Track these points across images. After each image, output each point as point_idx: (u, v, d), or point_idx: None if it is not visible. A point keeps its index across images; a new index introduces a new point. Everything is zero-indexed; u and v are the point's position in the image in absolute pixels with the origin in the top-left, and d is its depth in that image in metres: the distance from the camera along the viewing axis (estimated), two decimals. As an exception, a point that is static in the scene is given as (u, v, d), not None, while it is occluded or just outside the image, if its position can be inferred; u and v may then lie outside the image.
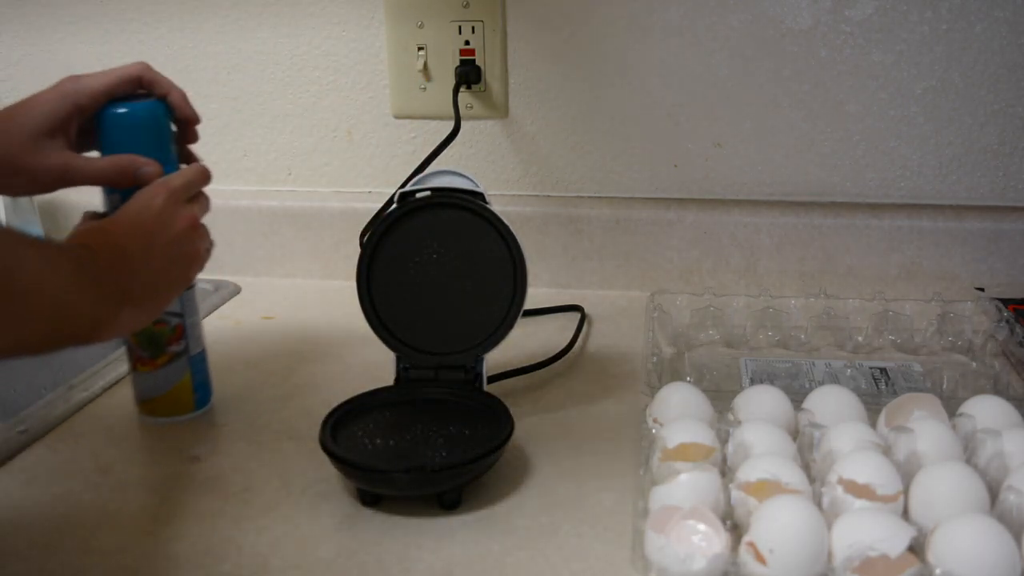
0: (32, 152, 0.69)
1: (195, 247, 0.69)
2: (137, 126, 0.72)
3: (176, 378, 0.77)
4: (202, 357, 0.79)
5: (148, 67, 0.74)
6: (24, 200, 1.06)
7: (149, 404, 0.78)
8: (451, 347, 0.75)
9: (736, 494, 0.58)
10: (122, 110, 0.72)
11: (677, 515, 0.55)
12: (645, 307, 0.91)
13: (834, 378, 0.81)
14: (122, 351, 0.89)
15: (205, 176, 0.72)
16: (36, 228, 1.07)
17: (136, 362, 0.77)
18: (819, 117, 0.98)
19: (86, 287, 0.57)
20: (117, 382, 0.84)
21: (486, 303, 0.76)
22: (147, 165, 0.70)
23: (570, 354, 0.87)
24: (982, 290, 0.97)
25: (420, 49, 1.02)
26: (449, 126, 0.96)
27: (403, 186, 0.79)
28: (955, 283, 0.97)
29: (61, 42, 1.10)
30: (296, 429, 0.76)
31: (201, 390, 0.79)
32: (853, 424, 0.64)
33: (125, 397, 0.81)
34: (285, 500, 0.66)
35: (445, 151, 0.95)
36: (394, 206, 0.78)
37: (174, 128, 0.75)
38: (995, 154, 0.97)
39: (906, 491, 0.58)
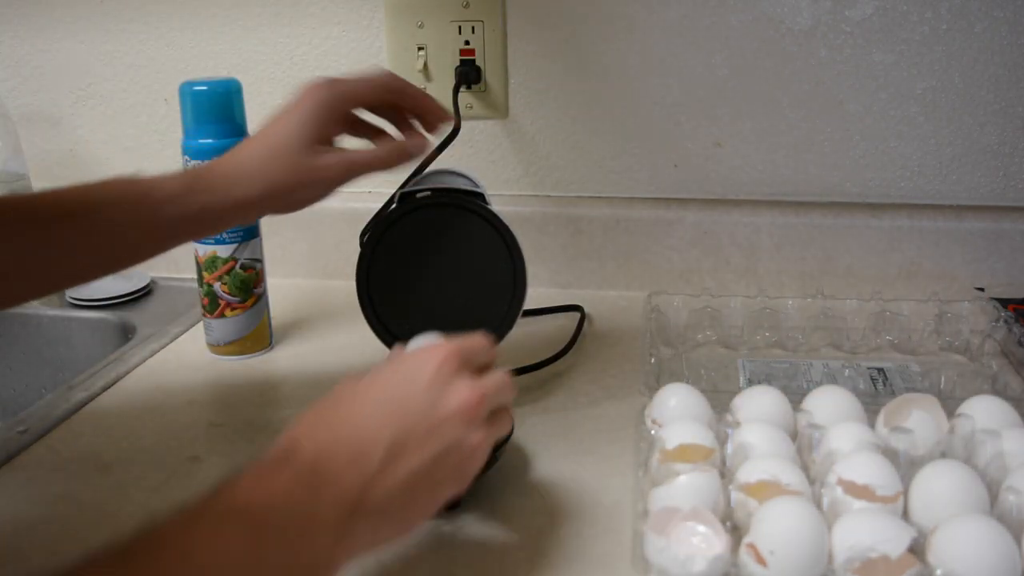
0: (310, 162, 0.68)
1: (471, 434, 0.52)
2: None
3: (259, 317, 0.89)
4: (267, 297, 0.90)
5: (395, 75, 0.73)
6: (24, 200, 1.06)
7: (236, 344, 0.88)
8: (451, 347, 0.75)
9: (736, 495, 0.59)
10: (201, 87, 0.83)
11: (677, 516, 0.55)
12: (643, 308, 0.91)
13: (832, 378, 0.81)
14: (123, 351, 0.89)
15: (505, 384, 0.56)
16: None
17: (225, 308, 0.87)
18: (819, 117, 0.98)
19: (304, 541, 0.44)
20: (117, 382, 0.84)
21: (486, 303, 0.76)
22: (413, 136, 0.69)
23: (570, 354, 0.87)
24: (982, 290, 0.97)
25: (420, 49, 1.02)
26: (449, 126, 0.96)
27: (403, 186, 0.79)
28: (955, 283, 0.98)
29: (61, 42, 1.10)
30: (296, 429, 0.76)
31: (271, 326, 0.91)
32: (852, 425, 0.64)
33: (125, 397, 0.81)
34: (285, 500, 0.66)
35: (445, 151, 0.95)
36: (394, 206, 0.78)
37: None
38: (995, 154, 0.97)
39: (906, 492, 0.58)
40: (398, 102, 0.72)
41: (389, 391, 0.51)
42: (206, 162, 0.71)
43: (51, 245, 0.64)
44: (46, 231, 0.63)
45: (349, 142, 0.72)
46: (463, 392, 0.52)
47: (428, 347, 0.54)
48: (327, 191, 0.70)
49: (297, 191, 0.69)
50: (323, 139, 0.69)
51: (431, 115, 0.73)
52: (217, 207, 0.67)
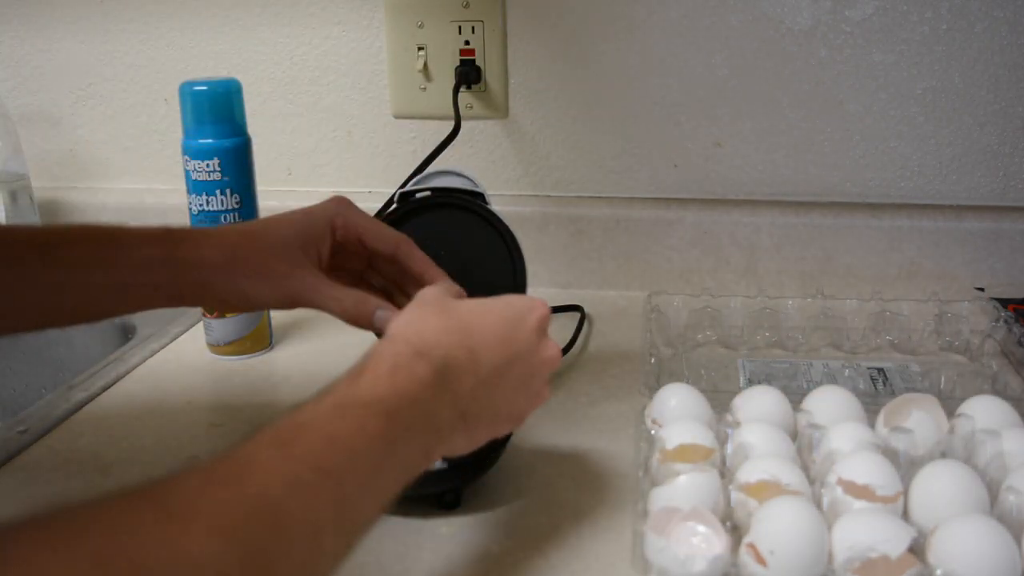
0: (282, 264, 0.65)
1: (545, 384, 0.59)
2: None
3: (259, 317, 0.89)
4: None
5: (408, 241, 0.69)
6: (24, 199, 1.06)
7: (236, 344, 0.88)
8: (451, 347, 0.75)
9: (736, 495, 0.58)
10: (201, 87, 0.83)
11: (677, 516, 0.55)
12: (643, 308, 0.91)
13: (832, 378, 0.81)
14: (123, 351, 0.89)
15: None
16: (36, 228, 1.08)
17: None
18: (819, 117, 0.98)
19: (422, 440, 0.49)
20: (117, 382, 0.84)
21: (486, 303, 0.76)
22: (384, 308, 0.65)
23: (570, 354, 0.87)
24: (982, 290, 0.97)
25: (420, 49, 1.02)
26: (449, 126, 0.96)
27: (403, 186, 0.79)
28: (955, 283, 0.98)
29: (61, 42, 1.10)
30: (296, 429, 0.76)
31: (271, 326, 0.91)
32: (852, 425, 0.64)
33: (125, 397, 0.81)
34: (285, 500, 0.66)
35: (445, 151, 0.95)
36: (394, 206, 0.78)
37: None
38: (995, 154, 0.97)
39: (906, 492, 0.58)
40: (401, 267, 0.70)
41: (504, 322, 0.56)
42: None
43: (12, 271, 0.62)
44: (9, 257, 0.63)
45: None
46: (553, 349, 0.58)
47: (531, 299, 0.59)
48: (284, 302, 0.67)
49: (252, 278, 0.65)
50: (314, 249, 0.67)
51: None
52: (184, 258, 0.64)
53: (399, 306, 0.70)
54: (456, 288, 0.64)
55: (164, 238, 0.65)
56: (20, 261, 0.63)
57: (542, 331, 0.58)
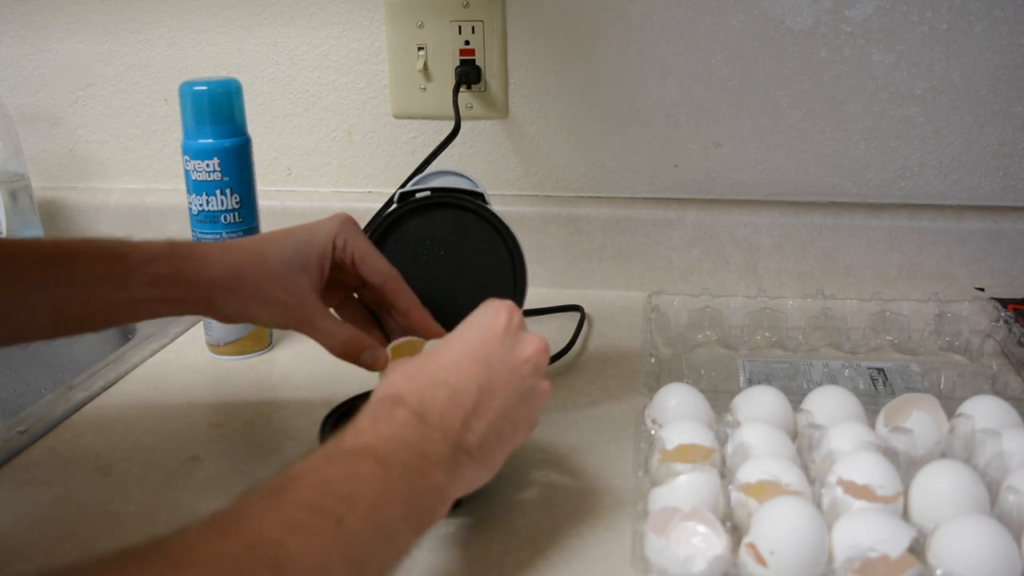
0: (280, 289, 0.67)
1: (539, 379, 0.58)
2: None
3: None
4: None
5: (397, 278, 0.71)
6: (24, 199, 1.06)
7: (236, 344, 0.88)
8: (451, 347, 0.75)
9: (736, 495, 0.58)
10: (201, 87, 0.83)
11: (677, 516, 0.55)
12: (643, 308, 0.91)
13: (832, 379, 0.81)
14: (123, 351, 0.89)
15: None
16: (36, 229, 1.07)
17: None
18: (819, 117, 0.98)
19: (422, 476, 0.49)
20: (117, 382, 0.84)
21: (486, 303, 0.76)
22: (375, 350, 0.68)
23: (570, 354, 0.87)
24: (982, 290, 0.97)
25: (420, 49, 1.02)
26: (449, 126, 0.96)
27: (403, 186, 0.79)
28: (955, 283, 0.98)
29: (61, 42, 1.10)
30: (296, 429, 0.76)
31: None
32: (852, 425, 0.64)
33: (125, 397, 0.81)
34: (285, 500, 0.66)
35: (445, 151, 0.95)
36: (394, 206, 0.78)
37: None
38: (995, 154, 0.97)
39: (906, 492, 0.58)
40: (388, 301, 0.72)
41: (472, 341, 0.56)
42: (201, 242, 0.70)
43: (21, 288, 0.63)
44: (18, 273, 0.63)
45: None
46: (533, 341, 0.58)
47: (491, 303, 0.59)
48: (280, 326, 0.70)
49: (253, 301, 0.67)
50: (312, 271, 0.68)
51: (413, 331, 0.71)
52: (189, 277, 0.66)
53: (388, 328, 0.74)
54: (437, 331, 0.68)
55: (170, 254, 0.66)
56: (24, 278, 0.64)
57: (513, 331, 0.57)
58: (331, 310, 0.71)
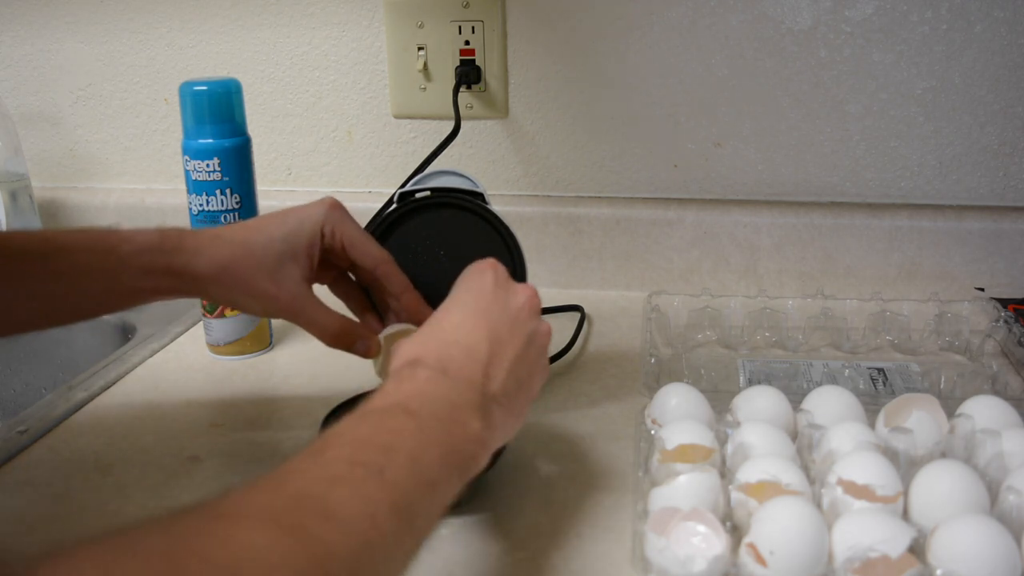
0: (270, 281, 0.67)
1: (539, 322, 0.60)
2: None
3: (259, 318, 0.88)
4: None
5: (389, 261, 0.71)
6: (24, 199, 1.06)
7: (236, 344, 0.88)
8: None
9: (736, 495, 0.58)
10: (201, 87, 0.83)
11: (677, 516, 0.55)
12: (643, 308, 0.91)
13: (832, 379, 0.81)
14: (123, 351, 0.89)
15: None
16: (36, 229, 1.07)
17: (225, 308, 0.86)
18: (819, 117, 0.98)
19: (456, 424, 0.50)
20: (117, 382, 0.84)
21: (486, 303, 0.76)
22: (367, 340, 0.68)
23: (570, 354, 0.87)
24: (982, 290, 0.97)
25: (420, 49, 1.02)
26: (449, 126, 0.96)
27: (403, 186, 0.79)
28: (955, 283, 0.98)
29: (61, 42, 1.10)
30: (296, 429, 0.76)
31: (271, 326, 0.91)
32: (852, 425, 0.64)
33: (125, 397, 0.81)
34: (285, 500, 0.66)
35: (445, 151, 0.95)
36: (394, 206, 0.78)
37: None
38: (995, 154, 0.97)
39: (906, 492, 0.58)
40: (380, 284, 0.71)
41: (468, 303, 0.58)
42: (190, 228, 0.71)
43: (14, 282, 0.64)
44: (10, 267, 0.64)
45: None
46: (522, 289, 0.60)
47: (475, 265, 0.61)
48: (271, 316, 0.70)
49: (243, 293, 0.68)
50: (305, 256, 0.68)
51: (405, 313, 0.71)
52: (180, 270, 0.66)
53: (381, 308, 0.73)
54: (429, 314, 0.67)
55: (160, 246, 0.66)
56: (18, 272, 0.64)
57: (503, 284, 0.59)
58: (326, 286, 0.72)
